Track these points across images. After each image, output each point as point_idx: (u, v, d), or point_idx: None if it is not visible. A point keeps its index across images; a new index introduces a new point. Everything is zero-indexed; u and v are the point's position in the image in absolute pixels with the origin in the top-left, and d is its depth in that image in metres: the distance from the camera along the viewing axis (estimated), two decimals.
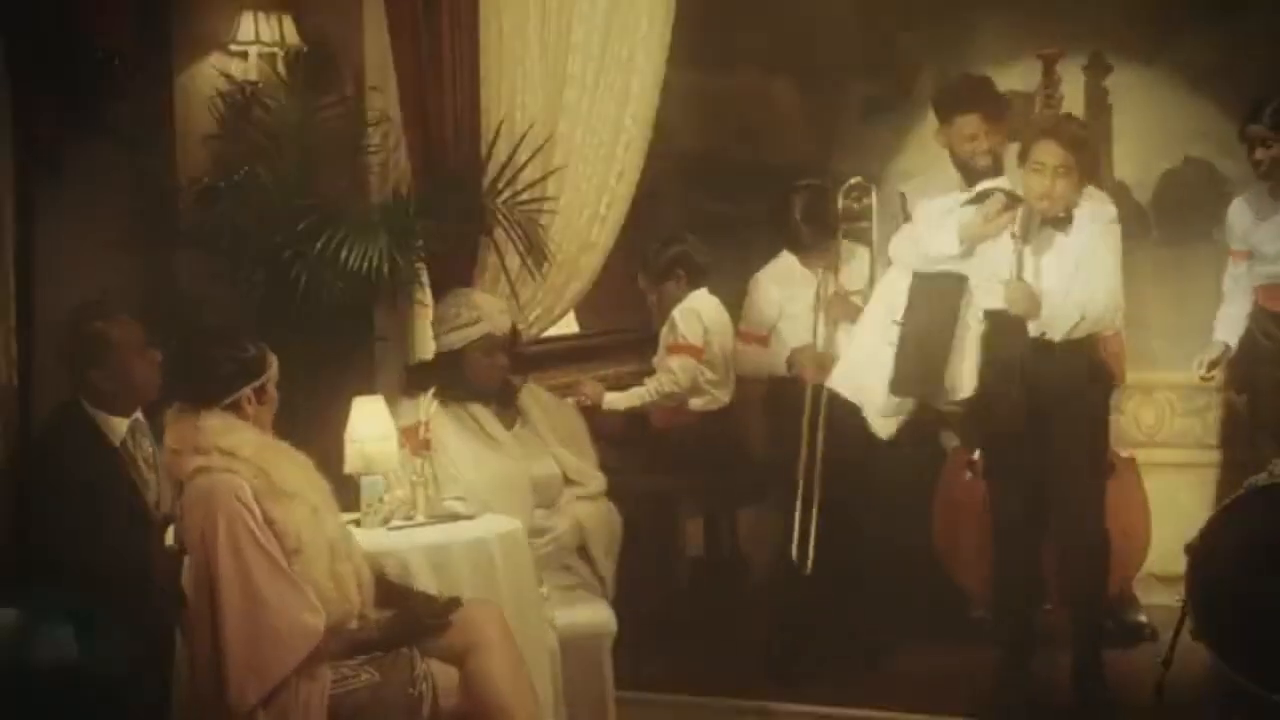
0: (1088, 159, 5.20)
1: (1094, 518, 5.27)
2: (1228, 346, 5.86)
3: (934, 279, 5.32)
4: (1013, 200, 5.15)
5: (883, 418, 5.45)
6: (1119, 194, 6.15)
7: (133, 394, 4.83)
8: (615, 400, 6.28)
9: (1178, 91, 6.55)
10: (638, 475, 6.13)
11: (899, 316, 5.35)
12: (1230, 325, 5.89)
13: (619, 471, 5.77)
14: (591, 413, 6.10)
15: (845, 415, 5.55)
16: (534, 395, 5.43)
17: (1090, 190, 5.25)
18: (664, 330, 6.37)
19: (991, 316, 5.24)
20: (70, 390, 4.82)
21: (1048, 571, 5.39)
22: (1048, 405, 5.10)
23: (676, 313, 6.32)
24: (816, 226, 5.84)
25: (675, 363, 6.24)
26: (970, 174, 5.89)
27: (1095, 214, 5.22)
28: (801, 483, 5.53)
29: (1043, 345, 5.08)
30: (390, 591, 4.38)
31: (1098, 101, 6.54)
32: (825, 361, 5.65)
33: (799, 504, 5.52)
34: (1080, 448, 5.22)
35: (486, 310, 5.30)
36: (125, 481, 4.78)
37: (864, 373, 5.45)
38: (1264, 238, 5.85)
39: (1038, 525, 5.23)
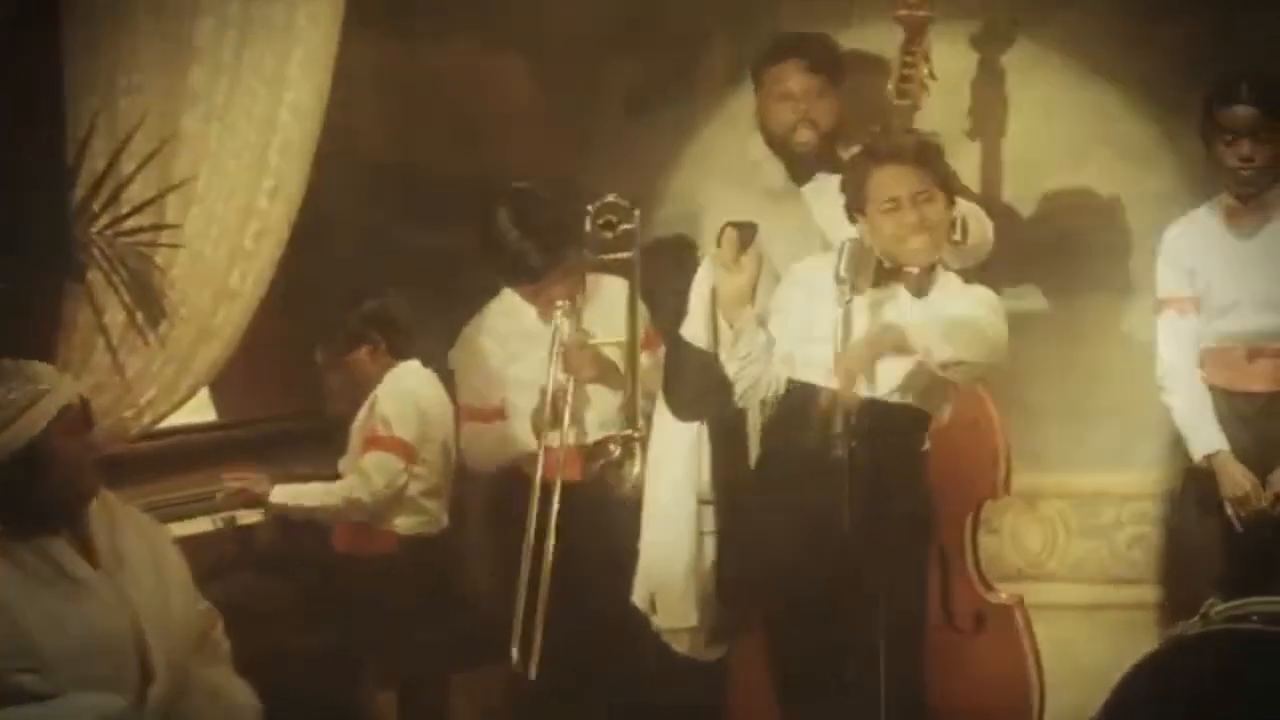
0: (938, 164, 5.22)
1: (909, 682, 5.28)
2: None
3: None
4: (746, 232, 5.21)
5: (689, 626, 5.57)
6: (1006, 222, 6.08)
7: None
8: (288, 495, 6.02)
9: (1072, 77, 6.44)
10: (302, 625, 5.92)
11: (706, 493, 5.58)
12: (1207, 419, 5.78)
13: (270, 619, 5.63)
14: (241, 533, 5.98)
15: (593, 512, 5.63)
16: (108, 506, 5.05)
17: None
18: (360, 416, 6.08)
19: (797, 391, 5.23)
20: None
21: None
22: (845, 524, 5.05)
23: (382, 392, 6.05)
24: (539, 243, 5.71)
25: (370, 460, 5.97)
26: (792, 163, 5.88)
27: (959, 294, 5.26)
28: (526, 576, 5.54)
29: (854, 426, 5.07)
30: None
31: (990, 88, 6.47)
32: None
33: (521, 600, 5.54)
34: (900, 588, 5.18)
35: (48, 375, 4.90)
36: None
37: (665, 571, 5.58)
38: (1217, 278, 5.78)
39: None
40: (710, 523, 5.60)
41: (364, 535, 6.02)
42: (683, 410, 5.61)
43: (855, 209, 5.19)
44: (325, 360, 6.16)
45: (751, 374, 5.28)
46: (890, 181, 5.09)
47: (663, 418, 5.69)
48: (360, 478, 5.97)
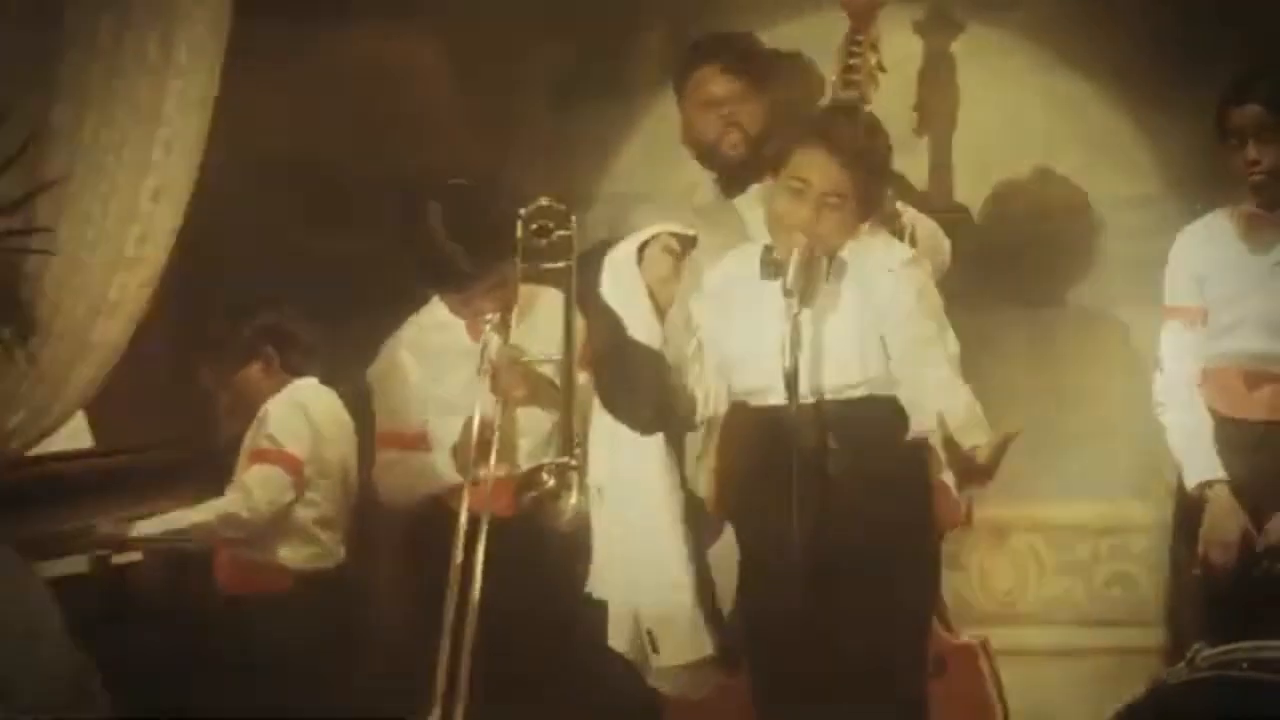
0: (873, 183, 5.03)
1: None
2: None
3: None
4: (684, 242, 5.14)
5: (685, 660, 5.35)
6: (956, 225, 5.95)
7: None
8: (154, 525, 5.88)
9: (1038, 64, 6.33)
10: (187, 676, 5.71)
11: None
12: (1205, 442, 5.62)
13: (150, 671, 5.42)
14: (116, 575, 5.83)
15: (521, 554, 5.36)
16: None
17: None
18: (249, 433, 5.98)
19: (741, 412, 5.07)
20: None
21: None
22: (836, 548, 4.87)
23: (271, 405, 5.99)
24: (470, 246, 5.54)
25: (255, 474, 5.86)
26: (724, 173, 5.86)
27: (878, 257, 5.08)
28: (449, 635, 5.26)
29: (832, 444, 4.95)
30: None
31: (940, 81, 6.35)
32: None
33: (443, 660, 5.24)
34: (891, 613, 4.96)
35: None
36: None
37: (665, 604, 5.38)
38: (1223, 292, 5.65)
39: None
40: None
41: (252, 572, 5.86)
42: (645, 423, 5.39)
43: (770, 166, 5.05)
44: (212, 378, 6.06)
45: (694, 372, 5.20)
46: (810, 165, 4.91)
47: (617, 439, 5.45)
48: (241, 493, 5.84)
